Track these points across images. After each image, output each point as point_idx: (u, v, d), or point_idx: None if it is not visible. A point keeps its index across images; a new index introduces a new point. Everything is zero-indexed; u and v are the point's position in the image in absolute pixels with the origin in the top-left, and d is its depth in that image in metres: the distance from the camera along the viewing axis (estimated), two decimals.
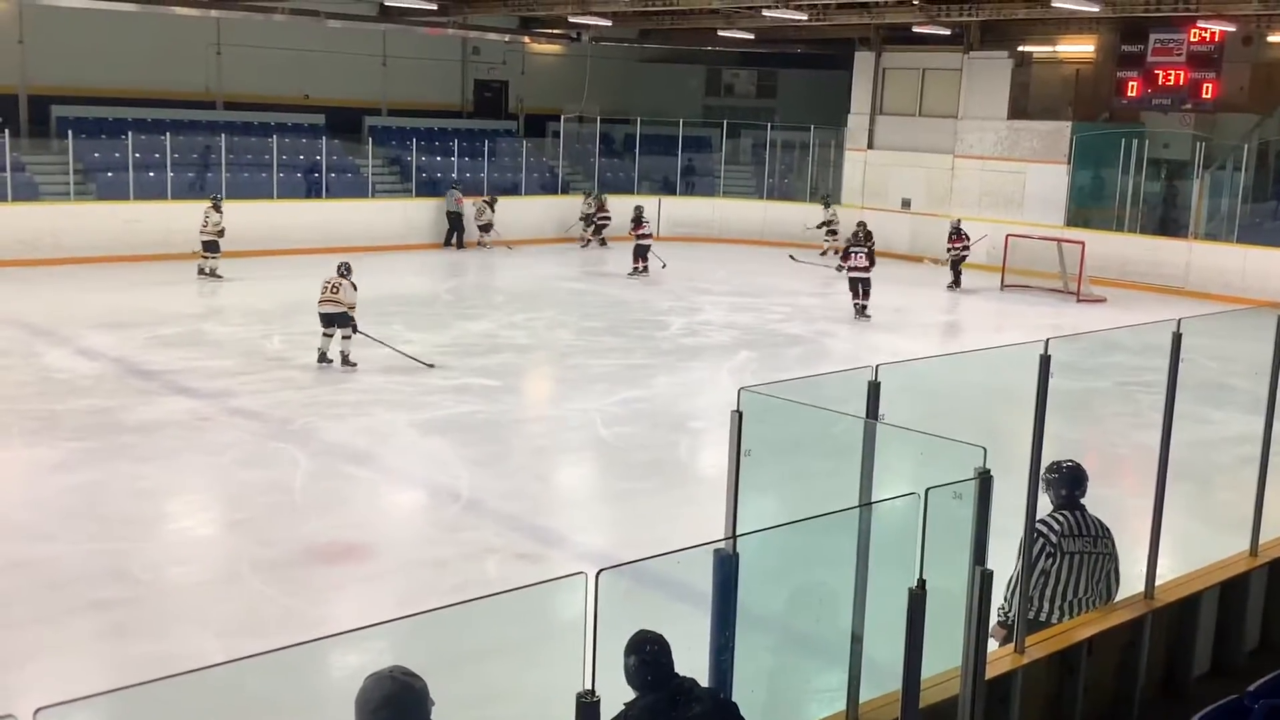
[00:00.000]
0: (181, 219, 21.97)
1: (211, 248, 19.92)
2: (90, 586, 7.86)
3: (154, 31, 24.45)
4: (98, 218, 21.67)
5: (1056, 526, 5.39)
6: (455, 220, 25.27)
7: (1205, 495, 9.88)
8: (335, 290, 13.98)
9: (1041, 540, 5.32)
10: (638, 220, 22.89)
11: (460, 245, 25.20)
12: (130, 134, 22.63)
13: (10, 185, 21.07)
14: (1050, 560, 5.36)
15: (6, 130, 21.54)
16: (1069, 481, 5.52)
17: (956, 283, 22.34)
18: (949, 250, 22.58)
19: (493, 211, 25.48)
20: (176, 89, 25.90)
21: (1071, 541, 5.40)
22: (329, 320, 14.03)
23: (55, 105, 24.08)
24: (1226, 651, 5.78)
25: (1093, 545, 5.45)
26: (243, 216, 22.60)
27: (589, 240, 26.54)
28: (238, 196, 23.42)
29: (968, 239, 22.43)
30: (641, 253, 22.52)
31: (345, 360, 13.97)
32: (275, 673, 2.72)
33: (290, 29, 25.54)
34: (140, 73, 25.00)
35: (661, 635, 3.83)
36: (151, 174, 22.67)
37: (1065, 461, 5.55)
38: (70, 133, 22.09)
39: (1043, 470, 5.09)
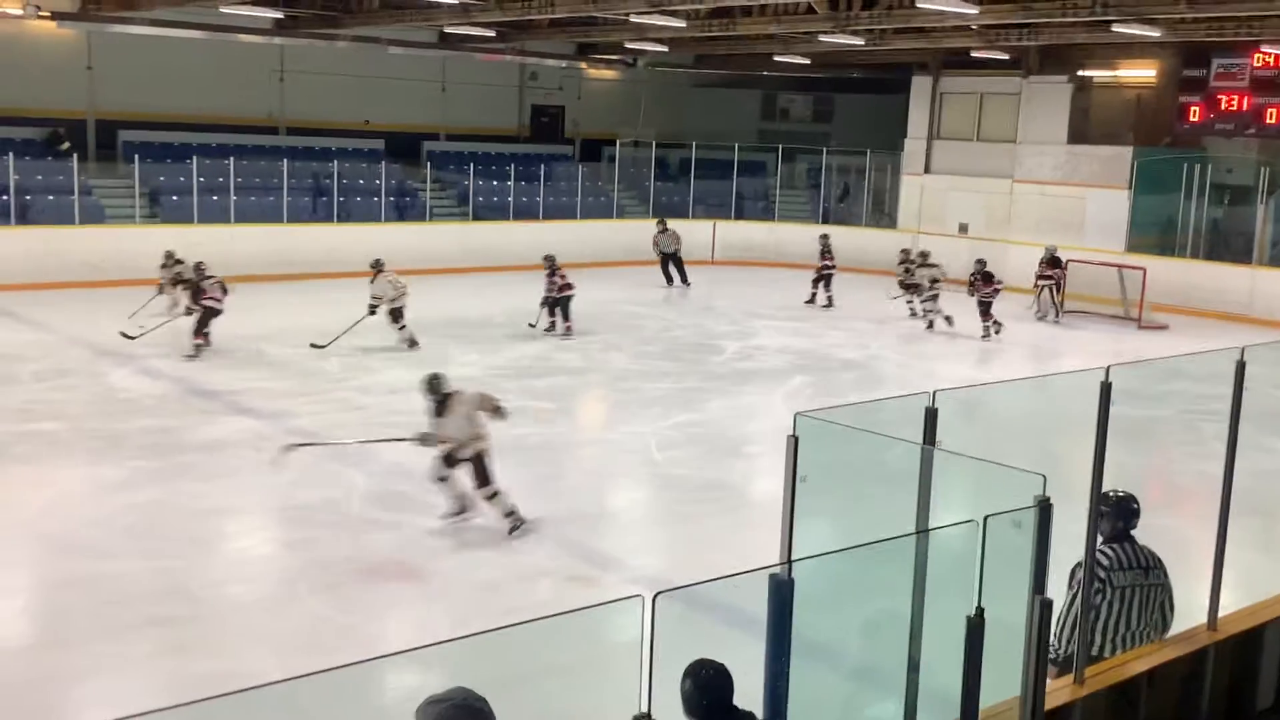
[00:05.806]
0: (244, 242, 22.32)
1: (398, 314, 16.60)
2: (150, 604, 7.98)
3: (219, 58, 24.92)
4: (162, 241, 22.02)
5: (1105, 560, 5.28)
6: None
7: (1269, 527, 9.68)
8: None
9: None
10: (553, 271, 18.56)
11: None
12: (195, 158, 23.02)
13: (78, 208, 21.59)
14: (1099, 595, 5.25)
15: (75, 154, 22.06)
16: (1120, 513, 5.40)
17: (1057, 315, 21.70)
18: (1039, 280, 21.94)
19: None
20: (240, 114, 26.36)
21: (1121, 575, 5.29)
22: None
23: (122, 130, 24.58)
24: None
25: (1144, 577, 5.34)
26: (302, 239, 22.95)
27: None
28: (297, 220, 23.82)
29: (1060, 267, 21.87)
30: (561, 305, 18.56)
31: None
32: (332, 691, 2.74)
33: (352, 56, 25.93)
34: (205, 98, 25.48)
35: (723, 665, 3.81)
36: (215, 198, 23.04)
37: (1116, 492, 5.40)
38: (136, 157, 22.53)
39: None
